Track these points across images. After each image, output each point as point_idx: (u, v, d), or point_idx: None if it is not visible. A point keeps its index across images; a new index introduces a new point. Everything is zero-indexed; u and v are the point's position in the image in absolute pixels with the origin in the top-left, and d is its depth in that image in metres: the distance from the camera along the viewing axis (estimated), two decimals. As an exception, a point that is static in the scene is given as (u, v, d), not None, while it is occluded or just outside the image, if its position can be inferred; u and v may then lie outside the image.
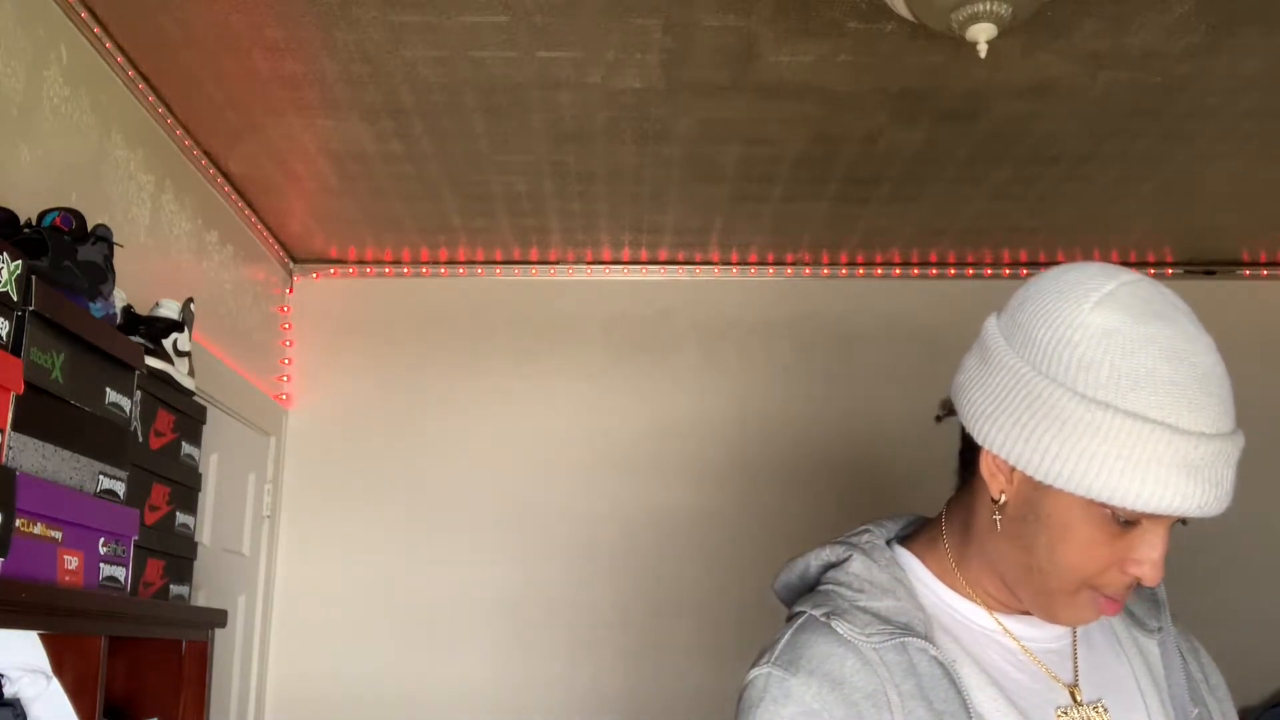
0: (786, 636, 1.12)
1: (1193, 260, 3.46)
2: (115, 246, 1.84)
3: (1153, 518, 1.01)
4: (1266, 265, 3.49)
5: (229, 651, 2.98)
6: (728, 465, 3.40)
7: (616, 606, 3.33)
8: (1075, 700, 1.11)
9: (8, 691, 1.53)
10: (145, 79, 2.40)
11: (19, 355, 1.43)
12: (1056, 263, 3.78)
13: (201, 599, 2.62)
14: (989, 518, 1.09)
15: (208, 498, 2.61)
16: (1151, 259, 3.44)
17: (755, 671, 1.10)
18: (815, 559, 1.22)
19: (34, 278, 1.46)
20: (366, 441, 3.41)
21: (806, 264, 3.51)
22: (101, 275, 1.76)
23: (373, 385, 3.44)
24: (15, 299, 1.43)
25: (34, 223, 1.71)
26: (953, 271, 3.49)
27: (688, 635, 3.30)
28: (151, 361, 1.98)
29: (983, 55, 1.95)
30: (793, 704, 1.05)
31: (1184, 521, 1.04)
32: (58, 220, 1.72)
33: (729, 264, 3.51)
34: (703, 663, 3.25)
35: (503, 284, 3.52)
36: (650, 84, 2.39)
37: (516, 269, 3.51)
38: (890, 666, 1.06)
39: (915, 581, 1.16)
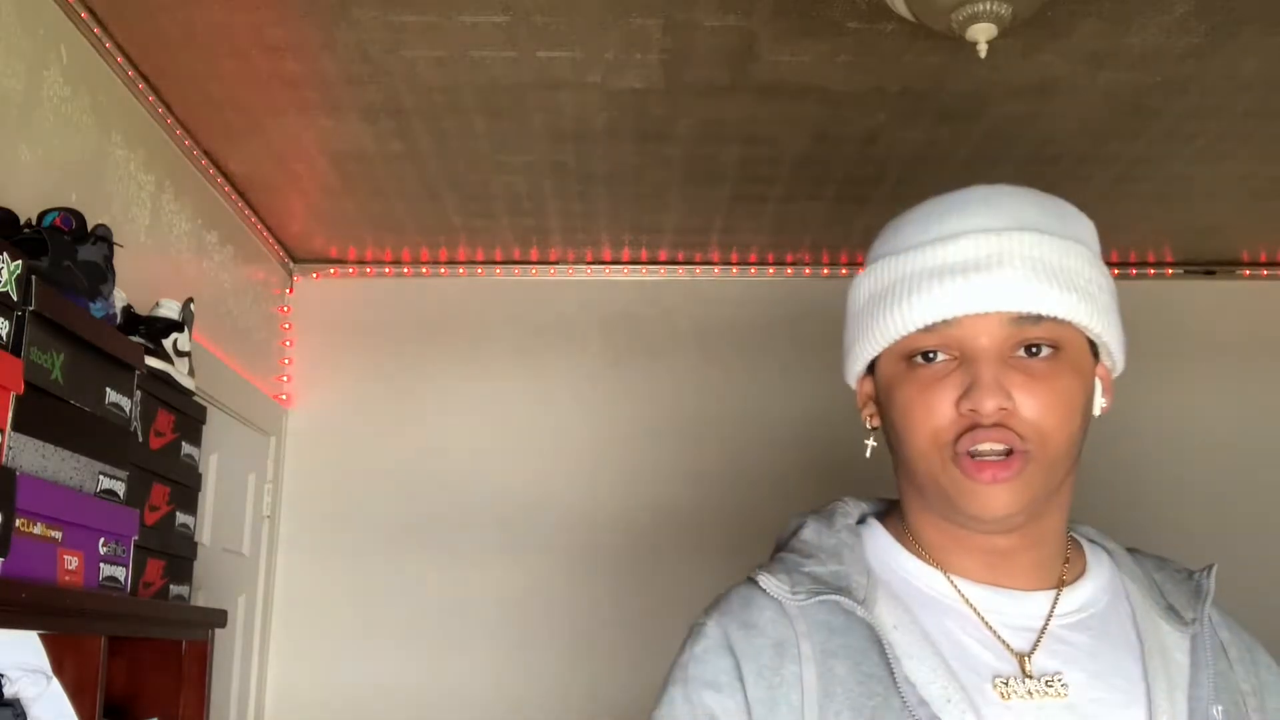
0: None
1: (1193, 260, 3.46)
2: (115, 246, 1.84)
3: (949, 343, 0.98)
4: (1266, 265, 3.49)
5: (229, 651, 2.98)
6: (728, 465, 3.40)
7: (617, 607, 3.33)
8: (1024, 671, 1.00)
9: (8, 691, 1.53)
10: (145, 79, 2.40)
11: (19, 355, 1.43)
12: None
13: (201, 599, 2.62)
14: (887, 452, 1.09)
15: (208, 498, 2.61)
16: (1151, 259, 3.44)
17: None
18: (788, 528, 1.19)
19: (34, 278, 1.46)
20: (366, 442, 3.41)
21: (806, 264, 3.51)
22: (101, 275, 1.76)
23: (373, 385, 3.44)
24: (15, 299, 1.43)
25: (34, 223, 1.71)
26: (953, 271, 3.49)
27: (688, 635, 3.29)
28: (151, 361, 1.98)
29: (983, 55, 1.95)
30: (704, 640, 1.05)
31: (1035, 350, 0.97)
32: (58, 220, 1.72)
33: (729, 264, 3.51)
34: (703, 663, 3.25)
35: (503, 284, 3.52)
36: (650, 84, 2.39)
37: (516, 269, 3.51)
38: (811, 623, 1.02)
39: (871, 545, 1.11)
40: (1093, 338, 1.02)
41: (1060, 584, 1.06)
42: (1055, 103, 2.47)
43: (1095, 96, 2.44)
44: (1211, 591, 1.10)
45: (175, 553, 2.07)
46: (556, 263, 3.49)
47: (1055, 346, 0.98)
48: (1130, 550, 1.15)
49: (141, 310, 2.10)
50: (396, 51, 2.26)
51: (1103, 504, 3.27)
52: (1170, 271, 3.46)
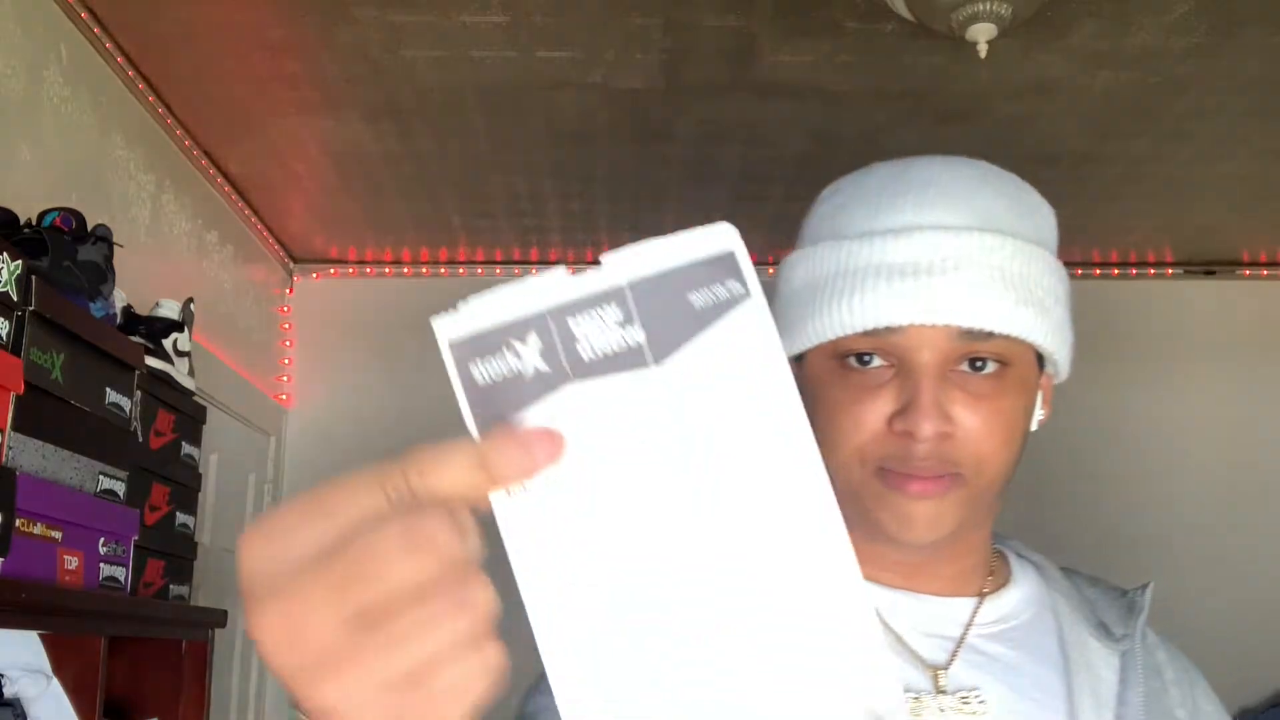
0: None
1: (1193, 260, 3.46)
2: (115, 246, 1.84)
3: (888, 349, 0.88)
4: (1266, 265, 3.49)
5: (229, 651, 2.98)
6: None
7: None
8: (937, 687, 0.91)
9: (8, 691, 1.53)
10: (145, 79, 2.40)
11: (19, 355, 1.43)
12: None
13: (201, 599, 2.61)
14: None
15: (208, 498, 2.61)
16: (1151, 259, 3.44)
17: None
18: None
19: (34, 278, 1.46)
20: (366, 442, 3.40)
21: (806, 264, 3.50)
22: (101, 275, 1.76)
23: (373, 385, 3.44)
24: (15, 299, 1.43)
25: (34, 223, 1.71)
26: (953, 271, 3.49)
27: (688, 635, 3.29)
28: (151, 361, 1.98)
29: (983, 55, 1.95)
30: None
31: (980, 365, 0.87)
32: (58, 220, 1.72)
33: (729, 264, 3.51)
34: (703, 663, 3.25)
35: (503, 284, 3.52)
36: (650, 84, 2.39)
37: (516, 269, 3.51)
38: None
39: None
40: (1043, 352, 0.93)
41: (982, 594, 0.98)
42: (1055, 103, 2.47)
43: (1095, 96, 2.44)
44: (1146, 608, 1.02)
45: (175, 553, 2.07)
46: (556, 263, 3.49)
47: (1002, 362, 0.89)
48: (1064, 569, 1.07)
49: (141, 310, 2.10)
50: (396, 51, 2.26)
51: (1101, 504, 3.28)
52: (1170, 271, 3.46)
